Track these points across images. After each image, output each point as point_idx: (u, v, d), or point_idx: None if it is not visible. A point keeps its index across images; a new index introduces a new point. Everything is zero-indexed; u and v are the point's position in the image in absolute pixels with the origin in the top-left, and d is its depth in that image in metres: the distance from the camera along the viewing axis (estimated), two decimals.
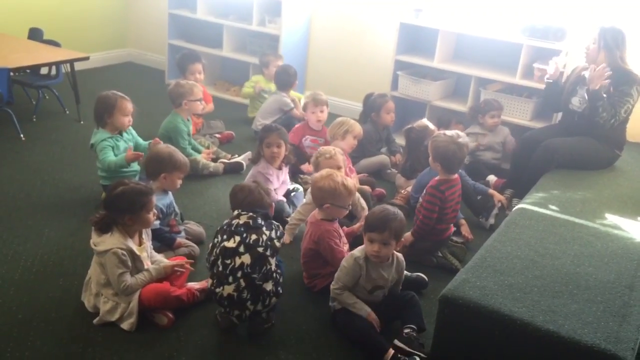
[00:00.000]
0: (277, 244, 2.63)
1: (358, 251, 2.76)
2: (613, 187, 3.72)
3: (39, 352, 2.48)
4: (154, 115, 4.66)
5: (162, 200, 3.16)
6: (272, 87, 5.21)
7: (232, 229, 2.61)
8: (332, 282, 2.78)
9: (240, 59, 5.91)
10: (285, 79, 5.03)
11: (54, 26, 5.69)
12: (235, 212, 2.69)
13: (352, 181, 3.12)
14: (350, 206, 3.13)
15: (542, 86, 4.41)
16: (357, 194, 3.45)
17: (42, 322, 2.65)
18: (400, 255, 2.84)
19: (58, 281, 2.95)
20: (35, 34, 5.21)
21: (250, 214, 2.64)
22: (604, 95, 3.79)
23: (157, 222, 3.09)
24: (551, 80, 4.15)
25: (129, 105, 3.68)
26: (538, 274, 2.62)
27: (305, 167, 4.23)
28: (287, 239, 3.39)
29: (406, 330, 2.66)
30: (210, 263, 2.66)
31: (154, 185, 3.15)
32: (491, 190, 4.03)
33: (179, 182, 3.29)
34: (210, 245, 2.69)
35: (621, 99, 3.78)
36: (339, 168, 3.41)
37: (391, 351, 2.57)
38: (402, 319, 2.76)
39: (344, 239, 3.09)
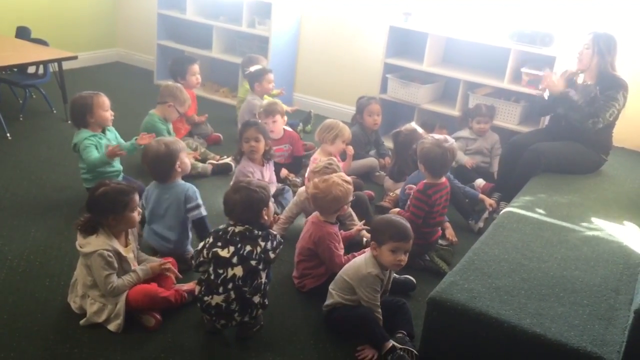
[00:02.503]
0: (272, 256, 2.60)
1: (370, 267, 2.68)
2: (599, 191, 3.75)
3: (25, 353, 2.46)
4: (142, 115, 4.63)
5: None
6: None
7: (228, 237, 2.58)
8: (370, 306, 2.70)
9: (230, 60, 5.90)
10: (253, 80, 4.95)
11: (41, 25, 5.66)
12: (232, 220, 2.66)
13: (349, 180, 3.10)
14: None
15: (530, 91, 4.46)
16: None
17: (28, 323, 2.62)
18: None
19: (44, 281, 2.92)
20: (22, 33, 5.17)
21: (247, 226, 2.60)
22: (571, 96, 3.87)
23: (203, 211, 3.11)
24: (547, 97, 4.16)
25: (106, 100, 3.65)
26: (525, 276, 2.64)
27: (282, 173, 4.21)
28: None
29: (398, 335, 2.68)
30: (197, 264, 2.64)
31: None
32: (481, 195, 4.04)
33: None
34: (201, 245, 2.65)
35: (607, 103, 3.82)
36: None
37: (391, 342, 2.58)
38: (393, 325, 2.76)
39: (341, 244, 3.07)
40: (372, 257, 2.72)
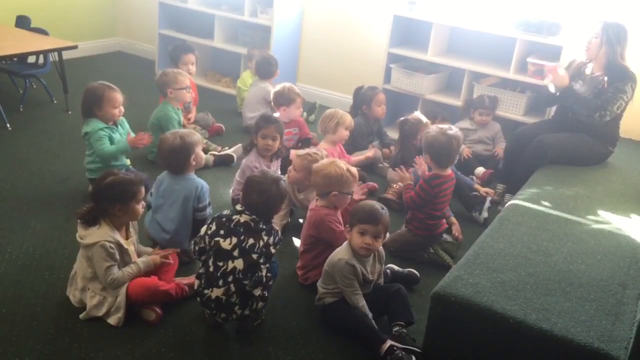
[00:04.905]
0: (272, 250, 2.57)
1: (341, 255, 2.69)
2: (606, 183, 3.70)
3: (24, 347, 2.43)
4: (144, 105, 4.61)
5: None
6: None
7: (231, 226, 2.53)
8: (347, 295, 2.70)
9: (232, 49, 5.84)
10: (267, 69, 4.94)
11: (41, 14, 5.61)
12: (239, 207, 2.59)
13: (354, 168, 3.08)
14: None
15: (536, 81, 4.39)
16: None
17: (27, 317, 2.59)
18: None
19: (44, 275, 2.89)
20: (22, 22, 5.12)
21: (254, 216, 2.56)
22: (575, 91, 3.81)
23: (209, 210, 3.10)
24: (557, 93, 4.02)
25: (118, 96, 3.60)
26: (531, 271, 2.60)
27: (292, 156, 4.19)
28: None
29: (395, 329, 2.64)
30: (199, 250, 2.59)
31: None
32: (476, 185, 3.98)
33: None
34: (203, 230, 2.59)
35: (615, 95, 3.76)
36: None
37: (388, 342, 2.53)
38: (390, 315, 2.74)
39: (341, 226, 3.02)
40: (348, 244, 2.73)
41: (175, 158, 3.07)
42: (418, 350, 2.53)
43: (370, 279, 2.76)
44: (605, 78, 3.82)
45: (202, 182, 3.12)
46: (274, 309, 2.80)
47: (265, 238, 2.54)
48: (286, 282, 3.05)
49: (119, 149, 3.59)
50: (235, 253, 2.50)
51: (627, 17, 4.14)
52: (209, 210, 3.12)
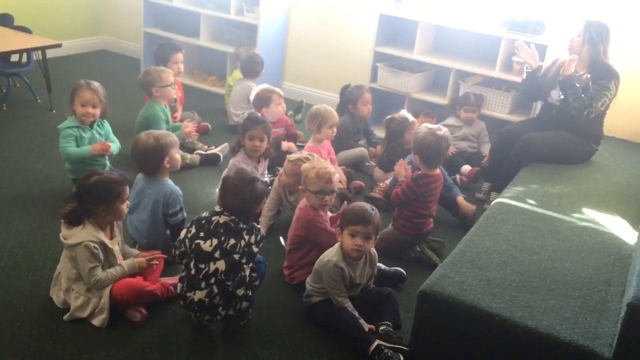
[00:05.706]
0: (255, 250, 2.55)
1: (331, 256, 2.69)
2: (590, 181, 3.73)
3: (7, 349, 2.40)
4: (130, 105, 4.57)
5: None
6: None
7: (211, 227, 2.50)
8: (332, 296, 2.70)
9: (218, 48, 5.82)
10: (252, 67, 4.94)
11: (24, 12, 5.55)
12: (217, 208, 2.57)
13: (331, 170, 3.01)
14: (327, 199, 2.99)
15: (520, 79, 4.42)
16: None
17: (9, 318, 2.56)
18: (372, 249, 2.81)
19: (27, 275, 2.86)
20: (5, 20, 5.06)
21: (233, 216, 2.53)
22: (577, 85, 3.80)
23: (182, 215, 3.05)
24: (530, 70, 4.09)
25: (87, 95, 3.48)
26: (516, 268, 2.61)
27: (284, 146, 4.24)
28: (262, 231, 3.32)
29: (382, 327, 2.64)
30: (180, 254, 2.57)
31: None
32: (459, 198, 3.79)
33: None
34: (182, 234, 2.56)
35: (599, 92, 3.79)
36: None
37: (375, 342, 2.53)
38: (378, 316, 2.74)
39: (329, 227, 3.01)
40: (339, 246, 2.72)
41: (148, 159, 3.01)
42: (405, 348, 2.53)
43: (358, 282, 2.76)
44: (589, 76, 3.85)
45: (173, 189, 3.03)
46: (260, 309, 2.79)
47: (247, 237, 2.52)
48: (272, 281, 3.04)
49: (81, 154, 3.48)
50: (217, 254, 2.47)
51: (611, 16, 4.17)
52: (181, 216, 3.05)
